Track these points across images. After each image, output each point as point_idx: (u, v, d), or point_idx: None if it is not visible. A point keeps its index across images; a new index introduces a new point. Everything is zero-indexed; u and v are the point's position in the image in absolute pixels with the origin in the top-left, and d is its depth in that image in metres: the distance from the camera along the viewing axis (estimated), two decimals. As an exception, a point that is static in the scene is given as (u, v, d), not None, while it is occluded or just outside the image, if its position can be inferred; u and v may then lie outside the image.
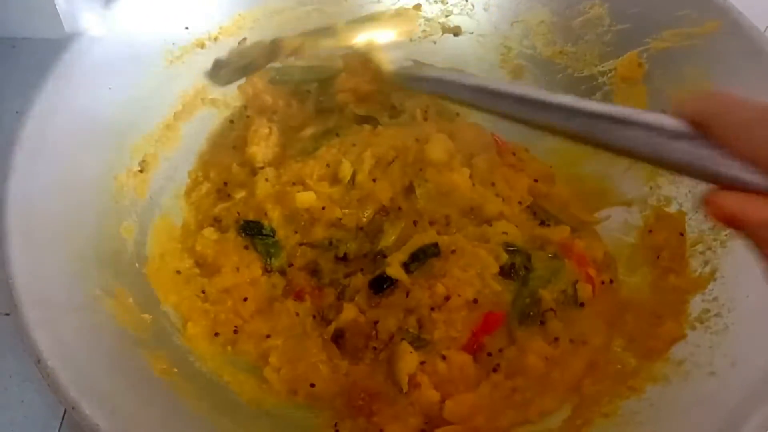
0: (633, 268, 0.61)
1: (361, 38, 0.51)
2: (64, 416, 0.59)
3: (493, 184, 0.65)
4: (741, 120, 0.26)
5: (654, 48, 0.64)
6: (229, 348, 0.57)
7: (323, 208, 0.62)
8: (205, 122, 0.68)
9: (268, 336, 0.57)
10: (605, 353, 0.56)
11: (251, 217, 0.63)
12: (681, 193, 0.61)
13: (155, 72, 0.63)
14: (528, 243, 0.62)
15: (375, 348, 0.57)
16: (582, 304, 0.59)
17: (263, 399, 0.55)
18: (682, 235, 0.59)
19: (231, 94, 0.69)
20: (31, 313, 0.44)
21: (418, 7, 0.73)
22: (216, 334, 0.57)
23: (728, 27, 0.59)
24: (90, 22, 0.59)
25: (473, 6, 0.72)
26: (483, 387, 0.54)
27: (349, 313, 0.58)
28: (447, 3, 0.73)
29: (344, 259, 0.62)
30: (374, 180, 0.64)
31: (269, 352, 0.56)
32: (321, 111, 0.70)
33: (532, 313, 0.58)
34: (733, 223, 0.27)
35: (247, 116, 0.69)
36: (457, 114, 0.72)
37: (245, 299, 0.59)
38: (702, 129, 0.27)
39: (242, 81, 0.69)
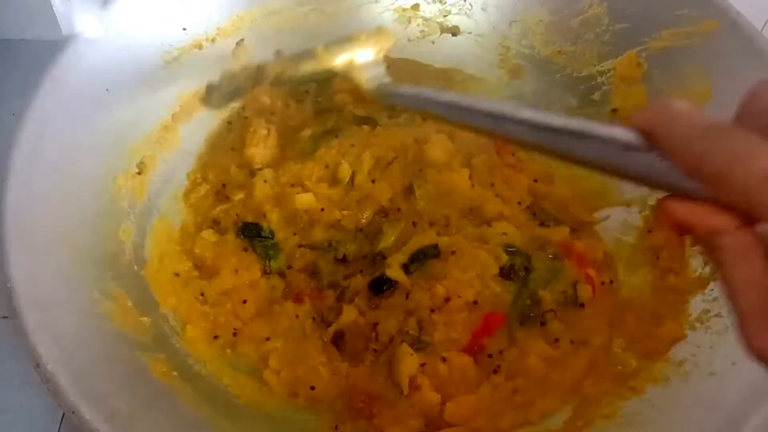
0: (633, 268, 0.61)
1: (341, 59, 0.53)
2: (62, 420, 0.59)
3: (492, 185, 0.65)
4: (683, 134, 0.26)
5: (653, 47, 0.64)
6: (229, 351, 0.57)
7: (322, 210, 0.62)
8: (204, 124, 0.67)
9: (267, 338, 0.57)
10: (606, 354, 0.56)
11: (250, 218, 0.62)
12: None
13: (153, 73, 0.63)
14: (528, 244, 0.62)
15: (375, 350, 0.57)
16: (582, 305, 0.59)
17: (263, 401, 0.54)
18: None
19: (229, 95, 0.69)
20: (30, 316, 0.44)
21: (416, 7, 0.73)
22: (215, 337, 0.57)
23: (727, 26, 0.59)
24: (87, 23, 0.58)
25: (471, 5, 0.72)
26: (483, 388, 0.54)
27: (348, 315, 0.57)
28: (445, 3, 0.73)
29: (344, 260, 0.62)
30: (373, 181, 0.64)
31: (269, 354, 0.56)
32: (320, 112, 0.70)
33: (532, 314, 0.58)
34: (682, 229, 0.28)
35: (245, 117, 0.69)
36: (456, 114, 0.72)
37: (244, 301, 0.58)
38: (650, 140, 0.28)
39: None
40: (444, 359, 0.55)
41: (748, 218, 0.26)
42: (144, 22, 0.61)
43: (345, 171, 0.63)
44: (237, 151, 0.66)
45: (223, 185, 0.65)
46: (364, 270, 0.61)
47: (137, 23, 0.61)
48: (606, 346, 0.56)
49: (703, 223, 0.27)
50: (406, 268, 0.59)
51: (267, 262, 0.61)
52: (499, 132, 0.37)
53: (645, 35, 0.64)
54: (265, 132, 0.66)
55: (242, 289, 0.59)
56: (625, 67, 0.66)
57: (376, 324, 0.57)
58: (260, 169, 0.65)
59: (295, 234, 0.63)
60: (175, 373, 0.51)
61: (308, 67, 0.54)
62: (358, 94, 0.70)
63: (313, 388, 0.55)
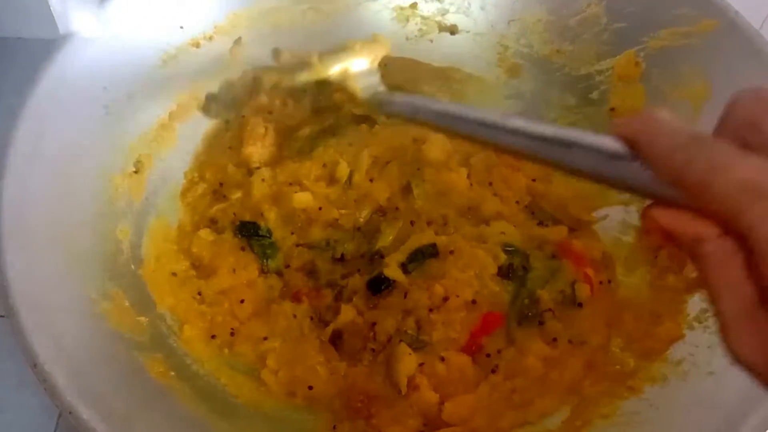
0: (631, 267, 0.61)
1: (335, 69, 0.54)
2: (59, 420, 0.59)
3: (490, 184, 0.65)
4: (664, 144, 0.27)
5: (651, 47, 0.64)
6: (226, 350, 0.57)
7: (320, 209, 0.62)
8: (201, 122, 0.67)
9: (265, 338, 0.57)
10: (604, 353, 0.56)
11: (247, 217, 0.62)
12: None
13: (150, 72, 0.62)
14: (526, 243, 0.62)
15: (373, 349, 0.56)
16: (580, 305, 0.58)
17: (261, 401, 0.54)
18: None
19: (226, 94, 0.69)
20: (27, 316, 0.44)
21: (414, 5, 0.73)
22: (213, 337, 0.57)
23: (725, 26, 0.59)
24: (84, 22, 0.58)
25: (470, 4, 0.72)
26: (482, 388, 0.54)
27: (346, 314, 0.57)
28: (443, 1, 0.72)
29: (341, 259, 0.62)
30: (371, 180, 0.64)
31: (267, 354, 0.56)
32: (318, 111, 0.70)
33: (530, 314, 0.58)
34: (666, 236, 0.28)
35: (243, 116, 0.68)
36: (454, 113, 0.72)
37: (242, 301, 0.58)
38: (634, 150, 0.29)
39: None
40: (442, 359, 0.55)
41: (729, 226, 0.26)
42: (141, 21, 0.61)
43: (343, 170, 0.63)
44: (234, 150, 0.66)
45: (221, 184, 0.65)
46: (362, 269, 0.61)
47: (135, 22, 0.61)
48: (604, 346, 0.56)
49: (686, 231, 0.27)
50: (404, 267, 0.59)
51: (264, 261, 0.61)
52: (490, 140, 0.38)
53: (643, 35, 0.64)
54: (262, 131, 0.66)
55: (240, 289, 0.59)
56: (623, 67, 0.66)
57: (374, 323, 0.57)
58: (258, 168, 0.65)
59: (292, 233, 0.62)
60: (173, 373, 0.51)
61: (304, 77, 0.55)
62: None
63: (311, 387, 0.54)
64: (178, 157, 0.65)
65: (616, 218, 0.64)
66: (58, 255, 0.49)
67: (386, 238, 0.62)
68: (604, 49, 0.67)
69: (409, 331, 0.56)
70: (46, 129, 0.53)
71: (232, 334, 0.57)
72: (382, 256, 0.61)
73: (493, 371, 0.55)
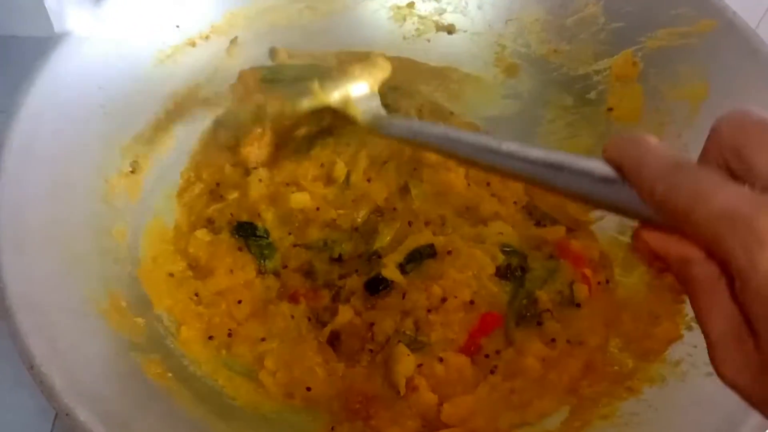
0: (629, 268, 0.60)
1: (336, 95, 0.56)
2: (55, 421, 0.58)
3: (488, 184, 0.65)
4: (648, 171, 0.28)
5: (649, 47, 0.64)
6: (224, 351, 0.56)
7: (317, 209, 0.62)
8: (198, 122, 0.67)
9: (263, 339, 0.57)
10: (602, 354, 0.56)
11: (245, 218, 0.62)
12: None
13: (146, 71, 0.62)
14: (524, 243, 0.62)
15: (371, 350, 0.56)
16: (578, 305, 0.58)
17: (259, 403, 0.54)
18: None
19: (223, 94, 0.68)
20: (23, 318, 0.44)
21: (411, 4, 0.73)
22: (210, 338, 0.56)
23: (723, 26, 0.59)
24: (79, 20, 0.58)
25: (467, 3, 0.72)
26: (481, 389, 0.54)
27: (344, 315, 0.57)
28: (441, 1, 0.72)
29: (339, 260, 0.62)
30: (369, 180, 0.64)
31: (264, 355, 0.55)
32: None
33: (528, 314, 0.58)
34: (655, 258, 0.29)
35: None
36: (452, 113, 0.72)
37: (239, 302, 0.58)
38: (620, 174, 0.30)
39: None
40: (441, 359, 0.54)
41: (712, 252, 0.26)
42: (137, 20, 0.61)
43: (340, 170, 0.63)
44: (231, 150, 0.66)
45: (217, 184, 0.65)
46: (360, 270, 0.61)
47: (130, 20, 0.61)
48: (602, 346, 0.56)
49: (673, 253, 0.28)
50: (402, 267, 0.59)
51: (262, 261, 0.61)
52: (486, 162, 0.40)
53: (641, 34, 0.64)
54: (259, 131, 0.66)
55: (237, 290, 0.59)
56: (620, 67, 0.66)
57: (372, 324, 0.57)
58: (255, 168, 0.64)
59: (290, 233, 0.62)
60: (170, 375, 0.51)
61: (305, 104, 0.57)
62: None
63: (309, 389, 0.54)
64: (174, 157, 0.64)
65: (614, 218, 0.64)
66: (54, 256, 0.49)
67: (384, 238, 0.62)
68: (602, 49, 0.67)
69: (408, 332, 0.56)
70: (41, 129, 0.52)
71: (229, 335, 0.57)
72: (379, 257, 0.61)
73: (491, 372, 0.55)
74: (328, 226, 0.63)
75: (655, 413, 0.49)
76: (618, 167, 0.30)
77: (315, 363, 0.55)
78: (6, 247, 0.46)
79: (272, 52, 0.70)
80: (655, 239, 0.28)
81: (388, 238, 0.62)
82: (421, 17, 0.73)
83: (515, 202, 0.65)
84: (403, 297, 0.57)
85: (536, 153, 0.35)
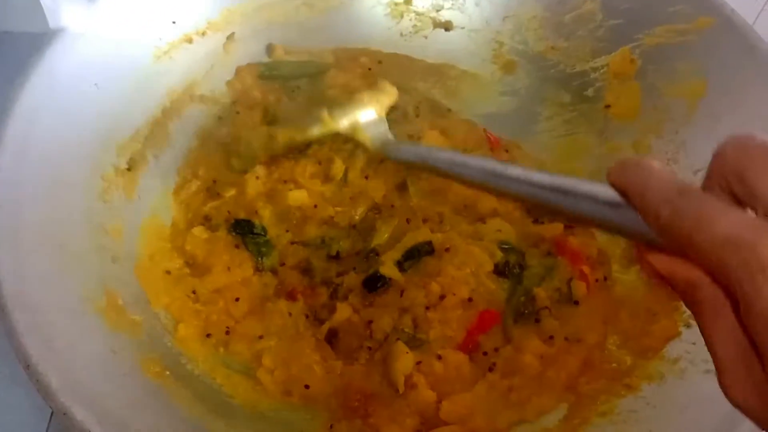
0: (627, 265, 0.61)
1: (345, 121, 0.58)
2: (51, 420, 0.58)
3: (486, 182, 0.65)
4: (652, 197, 0.28)
5: (647, 44, 0.64)
6: (222, 349, 0.56)
7: (315, 207, 0.62)
8: (194, 119, 0.66)
9: (260, 337, 0.56)
10: (600, 351, 0.56)
11: (242, 215, 0.62)
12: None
13: (142, 68, 0.62)
14: (522, 241, 0.62)
15: (370, 348, 0.56)
16: (576, 302, 0.58)
17: (257, 401, 0.54)
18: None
19: (220, 91, 0.68)
20: (19, 317, 0.43)
21: (408, 1, 0.73)
22: (208, 336, 0.56)
23: (721, 23, 0.59)
24: (75, 16, 0.57)
25: (464, 0, 0.72)
26: (479, 387, 0.54)
27: (342, 312, 0.57)
28: (438, -3, 0.72)
29: (337, 257, 0.62)
30: (367, 177, 0.64)
31: (262, 353, 0.55)
32: (312, 107, 0.70)
33: (526, 312, 0.58)
34: (662, 280, 0.29)
35: (237, 113, 0.68)
36: (449, 110, 0.72)
37: (237, 299, 0.58)
38: (625, 198, 0.30)
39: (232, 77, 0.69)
40: (439, 357, 0.54)
41: (716, 277, 0.26)
42: (133, 16, 0.61)
43: (338, 168, 0.63)
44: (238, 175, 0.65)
45: (214, 181, 0.64)
46: (358, 267, 0.61)
47: (126, 16, 0.60)
48: (601, 344, 0.56)
49: (679, 276, 0.28)
50: (400, 265, 0.59)
51: (259, 259, 0.60)
52: (492, 186, 0.40)
53: (639, 32, 0.64)
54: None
55: (234, 287, 0.59)
56: (618, 64, 0.66)
57: (370, 322, 0.57)
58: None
59: (287, 231, 0.62)
60: (168, 373, 0.51)
61: (315, 132, 0.58)
62: (349, 89, 0.70)
63: (307, 386, 0.54)
64: (171, 155, 0.64)
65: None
66: (50, 254, 0.48)
67: (382, 235, 0.62)
68: (600, 46, 0.67)
69: (406, 330, 0.56)
70: (35, 126, 0.52)
71: (227, 332, 0.57)
72: (377, 254, 0.60)
73: (490, 369, 0.55)
74: (325, 223, 0.62)
75: (653, 410, 0.50)
76: (622, 191, 0.30)
77: (313, 361, 0.55)
78: (1, 244, 0.45)
79: (269, 49, 0.70)
80: (661, 262, 0.28)
81: (386, 236, 0.62)
82: (418, 14, 0.73)
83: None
84: (401, 294, 0.57)
85: (542, 177, 0.35)
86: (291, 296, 0.59)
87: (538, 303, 0.58)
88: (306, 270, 0.61)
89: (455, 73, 0.73)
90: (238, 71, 0.69)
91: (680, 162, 0.60)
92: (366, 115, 0.58)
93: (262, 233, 0.61)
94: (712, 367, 0.48)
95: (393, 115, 0.69)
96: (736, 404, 0.26)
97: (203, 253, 0.59)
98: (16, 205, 0.48)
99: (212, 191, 0.63)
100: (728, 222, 0.25)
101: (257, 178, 0.62)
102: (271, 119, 0.66)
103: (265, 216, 0.62)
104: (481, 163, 0.42)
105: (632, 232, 0.30)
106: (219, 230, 0.61)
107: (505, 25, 0.72)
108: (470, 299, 0.57)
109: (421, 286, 0.57)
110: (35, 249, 0.47)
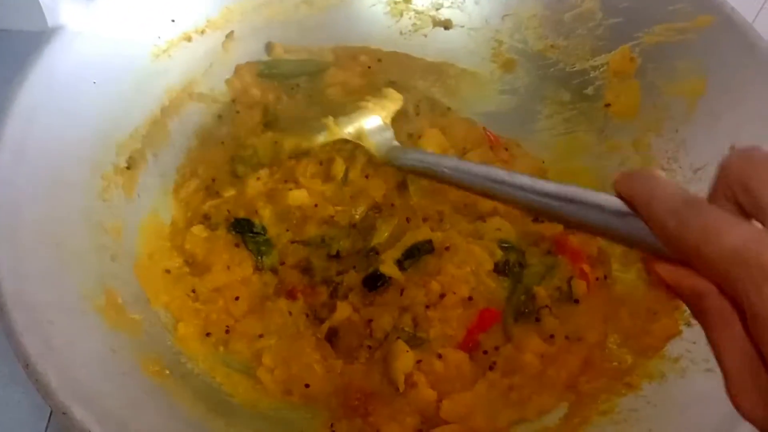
0: (627, 263, 0.60)
1: (351, 128, 0.59)
2: (50, 418, 0.58)
3: (486, 180, 0.65)
4: (658, 208, 0.28)
5: (646, 42, 0.64)
6: (222, 348, 0.56)
7: (315, 206, 0.62)
8: (194, 118, 0.66)
9: (260, 336, 0.56)
10: (601, 350, 0.56)
11: (242, 214, 0.62)
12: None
13: (141, 66, 0.61)
14: (522, 239, 0.62)
15: (370, 347, 0.56)
16: (577, 301, 0.58)
17: (258, 400, 0.54)
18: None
19: (219, 89, 0.68)
20: (18, 316, 0.43)
21: (408, 0, 0.73)
22: (208, 335, 0.56)
23: (721, 21, 0.59)
24: (73, 14, 0.57)
25: (464, -1, 0.72)
26: (480, 385, 0.54)
27: (342, 311, 0.57)
28: (438, -4, 0.72)
29: (337, 256, 0.61)
30: (367, 177, 0.63)
31: (262, 352, 0.55)
32: (311, 106, 0.69)
33: (527, 310, 0.58)
34: (669, 289, 0.29)
35: (236, 111, 0.68)
36: (449, 108, 0.72)
37: (237, 298, 0.58)
38: (631, 208, 0.30)
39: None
40: (440, 356, 0.54)
41: (723, 288, 0.27)
42: (132, 14, 0.60)
43: (338, 167, 0.63)
44: (241, 181, 0.65)
45: (213, 180, 0.64)
46: (358, 266, 0.61)
47: (125, 15, 0.60)
48: (601, 342, 0.56)
49: (686, 286, 0.28)
50: (400, 264, 0.59)
51: (259, 258, 0.60)
52: (497, 193, 0.40)
53: (638, 30, 0.64)
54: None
55: (234, 286, 0.59)
56: (618, 62, 0.66)
57: (370, 320, 0.57)
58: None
59: (287, 230, 0.62)
60: (168, 372, 0.50)
61: (321, 140, 0.59)
62: (349, 87, 0.70)
63: (307, 385, 0.54)
64: (170, 153, 0.64)
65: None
66: (49, 253, 0.48)
67: (382, 234, 0.62)
68: (599, 45, 0.67)
69: (406, 328, 0.56)
70: (34, 125, 0.52)
71: (227, 331, 0.57)
72: (377, 253, 0.60)
73: (490, 368, 0.55)
74: (325, 222, 0.62)
75: (654, 409, 0.49)
76: (629, 201, 0.30)
77: (313, 360, 0.55)
78: (0, 243, 0.45)
79: (269, 47, 0.70)
80: (668, 272, 0.29)
81: (386, 235, 0.62)
82: (417, 12, 0.73)
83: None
84: (401, 293, 0.57)
85: (548, 186, 0.35)
86: (291, 295, 0.59)
87: (539, 302, 0.58)
88: (306, 269, 0.61)
89: (455, 71, 0.73)
90: (238, 70, 0.69)
91: (680, 160, 0.60)
92: (371, 122, 0.59)
93: (262, 232, 0.61)
94: (712, 365, 0.48)
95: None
96: (743, 413, 0.26)
97: (203, 252, 0.59)
98: (14, 204, 0.48)
99: (212, 190, 0.63)
100: (734, 233, 0.25)
101: (258, 179, 0.62)
102: (270, 118, 0.66)
103: (265, 215, 0.62)
104: (486, 171, 0.42)
105: (638, 241, 0.30)
106: (218, 229, 0.61)
107: (504, 23, 0.71)
108: (470, 298, 0.57)
109: (421, 284, 0.57)
110: (34, 248, 0.47)
